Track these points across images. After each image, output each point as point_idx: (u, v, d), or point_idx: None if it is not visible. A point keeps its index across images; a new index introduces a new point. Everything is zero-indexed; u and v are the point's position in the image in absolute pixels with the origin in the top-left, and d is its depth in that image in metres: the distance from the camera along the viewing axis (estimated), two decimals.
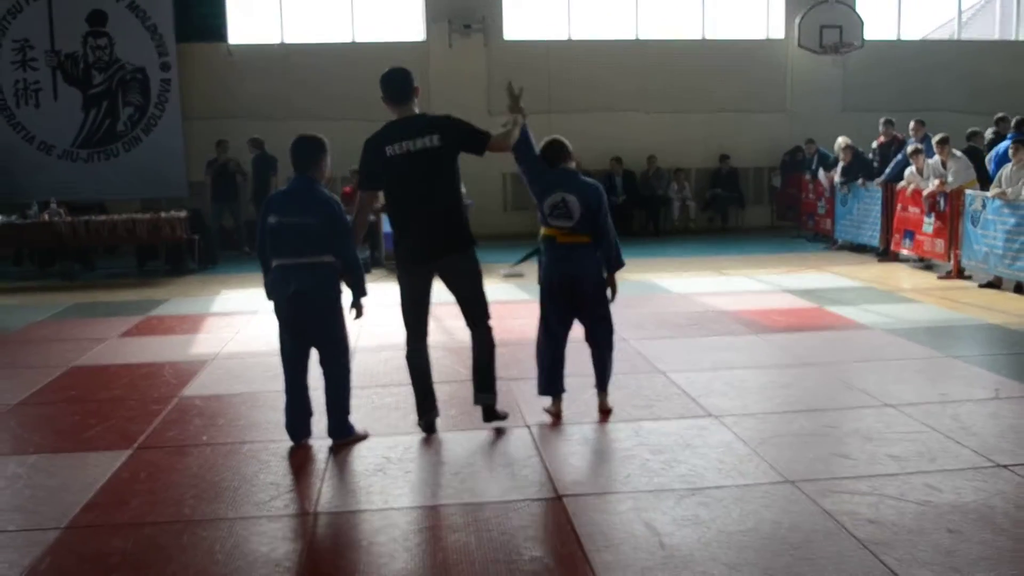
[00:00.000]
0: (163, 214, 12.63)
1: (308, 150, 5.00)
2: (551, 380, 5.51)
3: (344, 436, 5.11)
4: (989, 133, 12.90)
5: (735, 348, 7.34)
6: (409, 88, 5.02)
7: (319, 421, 5.24)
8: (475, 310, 5.18)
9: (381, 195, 5.13)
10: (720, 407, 5.70)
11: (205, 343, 7.97)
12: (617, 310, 8.35)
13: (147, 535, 3.99)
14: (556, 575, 3.56)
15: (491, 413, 5.33)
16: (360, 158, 4.97)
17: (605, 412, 5.55)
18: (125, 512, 4.25)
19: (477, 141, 4.96)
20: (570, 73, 16.65)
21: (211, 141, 15.10)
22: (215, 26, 15.74)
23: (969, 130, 12.81)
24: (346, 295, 5.04)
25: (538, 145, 5.41)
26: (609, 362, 5.59)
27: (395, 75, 5.00)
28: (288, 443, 5.14)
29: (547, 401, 5.66)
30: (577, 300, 5.43)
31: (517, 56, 16.40)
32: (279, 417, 5.50)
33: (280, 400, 5.81)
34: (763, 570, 3.54)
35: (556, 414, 5.50)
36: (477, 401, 5.32)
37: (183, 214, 12.72)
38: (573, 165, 5.49)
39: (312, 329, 4.98)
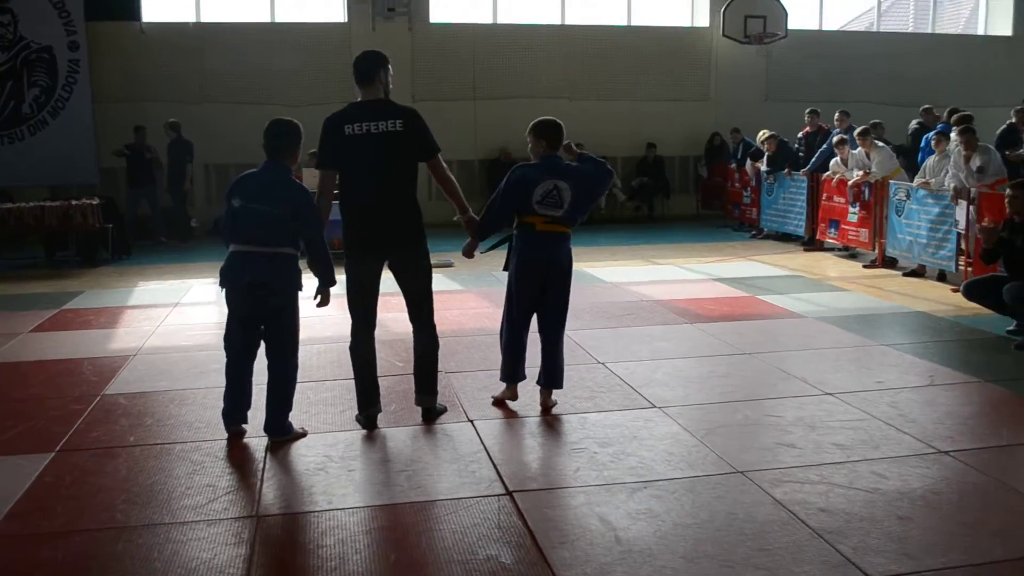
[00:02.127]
0: (74, 201, 12.16)
1: (283, 135, 4.93)
2: (517, 367, 5.53)
3: (284, 435, 4.98)
4: (914, 124, 13.26)
5: (672, 338, 7.40)
6: (373, 69, 4.96)
7: (255, 417, 5.09)
8: (422, 309, 5.13)
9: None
10: (663, 397, 5.73)
11: (125, 338, 7.69)
12: None
13: (77, 544, 3.81)
14: (514, 574, 3.51)
15: (431, 414, 5.29)
16: (319, 137, 4.92)
17: (548, 408, 5.51)
18: (52, 520, 4.05)
19: (428, 148, 4.97)
20: (495, 59, 16.60)
21: (123, 125, 14.60)
22: (127, 4, 15.19)
23: (871, 121, 13.15)
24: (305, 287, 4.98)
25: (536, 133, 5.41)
26: (561, 358, 5.54)
27: (364, 55, 5.02)
28: (223, 443, 4.98)
29: (487, 394, 5.67)
30: (548, 288, 5.42)
31: (441, 40, 16.28)
32: (210, 416, 5.36)
33: (210, 397, 5.71)
34: (721, 562, 3.56)
35: (513, 397, 5.53)
36: (419, 403, 5.27)
37: (95, 201, 12.27)
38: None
39: (266, 322, 4.92)
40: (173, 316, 8.58)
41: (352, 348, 5.14)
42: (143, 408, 5.68)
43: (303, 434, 5.07)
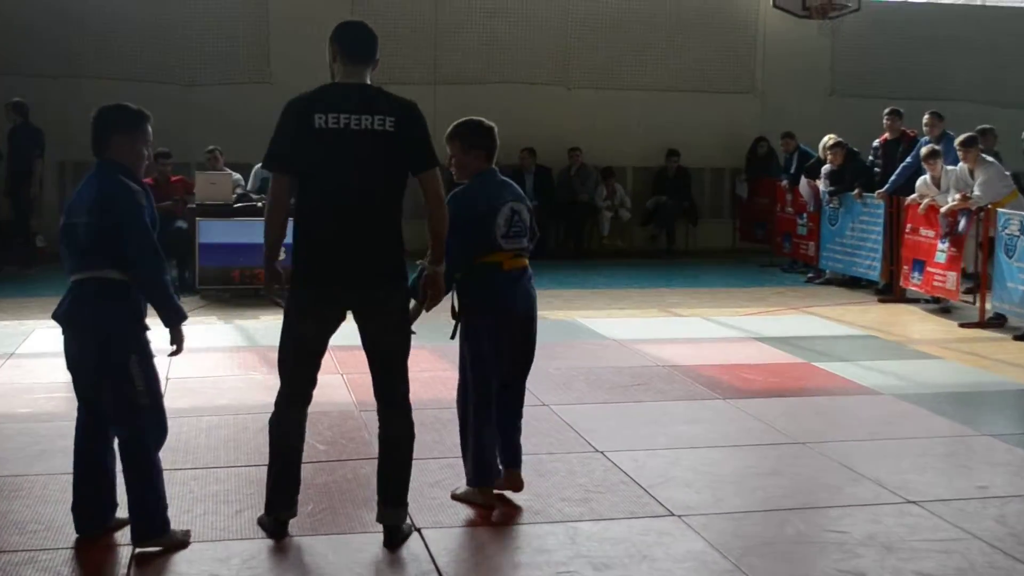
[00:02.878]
0: None
1: (103, 125, 5.00)
2: (494, 463, 5.59)
3: (150, 538, 4.91)
4: None
5: (697, 418, 7.40)
6: (375, 47, 4.98)
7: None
8: (396, 380, 5.00)
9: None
10: (683, 502, 5.70)
11: None
12: (536, 362, 8.36)
13: None
14: None
15: (396, 536, 5.09)
16: (276, 126, 4.84)
17: (520, 487, 5.66)
18: None
19: (425, 158, 4.88)
20: (464, 31, 16.70)
21: None
22: None
23: (978, 127, 13.31)
24: (152, 331, 4.96)
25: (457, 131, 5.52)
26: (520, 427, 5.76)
27: (361, 27, 5.00)
28: (69, 552, 4.90)
29: (440, 491, 5.70)
30: (520, 344, 5.59)
31: (388, 7, 16.36)
32: (53, 513, 5.29)
33: (53, 486, 5.63)
34: None
35: (491, 504, 5.56)
36: (383, 518, 5.08)
37: None
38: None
39: (80, 378, 4.95)
40: (5, 371, 8.47)
41: (274, 425, 5.05)
42: None
43: (183, 542, 5.00)
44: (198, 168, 13.87)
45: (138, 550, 4.91)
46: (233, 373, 8.50)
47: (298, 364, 4.98)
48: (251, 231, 11.25)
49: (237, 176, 13.41)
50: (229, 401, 7.54)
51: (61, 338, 4.95)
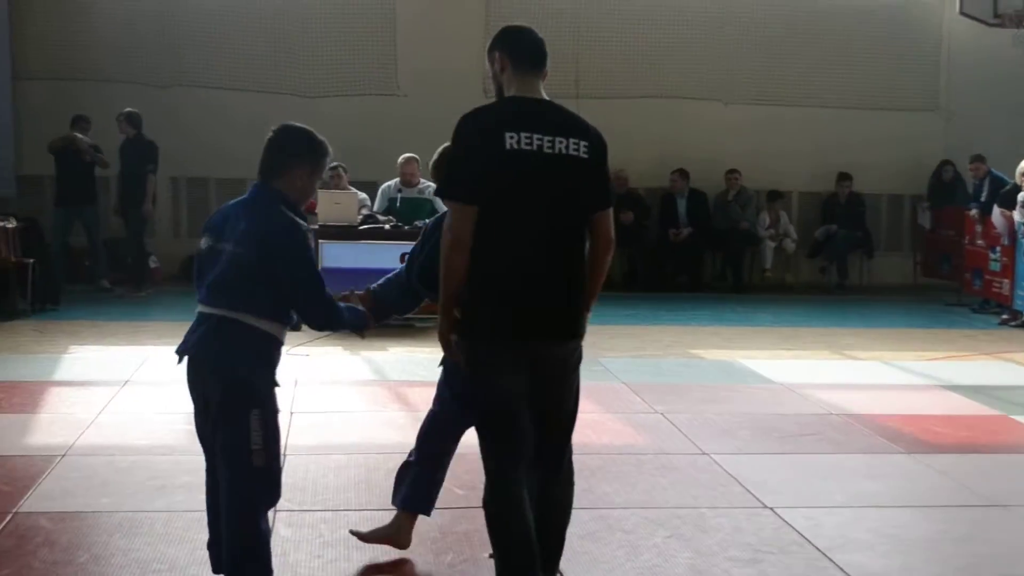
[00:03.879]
0: None
1: (276, 149, 4.90)
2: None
3: None
4: None
5: (878, 474, 7.28)
6: (547, 56, 4.78)
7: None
8: (565, 439, 4.84)
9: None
10: (866, 568, 5.60)
11: (50, 429, 7.84)
12: (691, 407, 8.34)
13: None
14: None
15: None
16: (452, 145, 4.67)
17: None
18: None
19: (609, 191, 4.78)
20: (609, 42, 16.74)
21: (57, 114, 15.06)
22: None
23: None
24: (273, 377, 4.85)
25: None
26: None
27: (532, 32, 4.83)
28: None
29: None
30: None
31: (530, 14, 16.49)
32: (176, 553, 5.42)
33: (176, 524, 5.78)
34: None
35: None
36: None
37: (10, 224, 12.67)
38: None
39: (200, 419, 4.85)
40: (121, 399, 8.68)
41: (495, 503, 4.68)
42: (75, 536, 5.73)
43: None
44: (321, 186, 14.10)
45: None
46: (362, 409, 8.63)
47: (511, 422, 4.64)
48: (377, 255, 11.40)
49: (363, 196, 13.59)
50: (359, 439, 7.66)
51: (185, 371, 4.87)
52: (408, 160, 13.26)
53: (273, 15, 16.16)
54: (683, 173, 16.60)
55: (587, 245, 4.72)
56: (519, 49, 4.74)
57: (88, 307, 13.35)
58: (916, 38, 17.61)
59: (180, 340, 4.82)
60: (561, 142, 4.53)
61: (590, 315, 4.84)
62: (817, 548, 5.85)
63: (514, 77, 4.69)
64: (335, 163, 13.82)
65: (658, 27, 16.84)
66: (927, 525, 6.37)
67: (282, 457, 6.96)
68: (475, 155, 4.51)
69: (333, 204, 12.91)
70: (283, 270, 4.65)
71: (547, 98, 4.71)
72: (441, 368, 5.49)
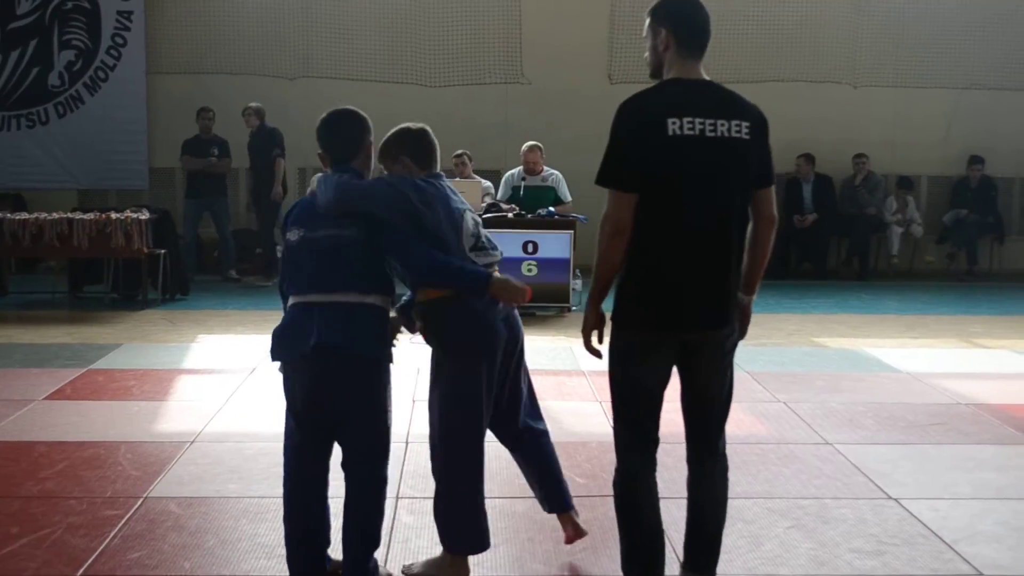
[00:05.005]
0: (114, 215, 12.90)
1: (342, 130, 5.11)
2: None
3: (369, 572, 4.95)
4: None
5: (1008, 465, 7.16)
6: (709, 35, 4.66)
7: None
8: (718, 429, 4.77)
9: None
10: (994, 560, 5.53)
11: (179, 416, 8.03)
12: (814, 396, 8.27)
13: None
14: None
15: None
16: (612, 131, 4.49)
17: (579, 534, 5.52)
18: None
19: (771, 170, 4.66)
20: (737, 23, 16.60)
21: (187, 107, 15.41)
22: None
23: None
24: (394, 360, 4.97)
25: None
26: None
27: (701, 8, 4.69)
28: None
29: None
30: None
31: None
32: None
33: None
34: None
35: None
36: None
37: (143, 216, 12.97)
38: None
39: (338, 408, 4.91)
40: (248, 387, 8.91)
41: (623, 485, 4.72)
42: (203, 521, 5.89)
43: None
44: (446, 175, 14.20)
45: None
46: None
47: (644, 406, 4.64)
48: (501, 243, 11.37)
49: (487, 184, 13.67)
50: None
51: (302, 368, 4.90)
52: (531, 148, 13.30)
53: (396, 6, 16.33)
54: (809, 158, 16.43)
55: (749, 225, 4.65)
56: (690, 29, 4.60)
57: (216, 296, 13.68)
58: None
59: None
60: (723, 125, 4.44)
61: (755, 298, 4.81)
62: (943, 540, 5.79)
63: (677, 58, 4.58)
64: (460, 151, 13.92)
65: (786, 8, 16.67)
66: None
67: (404, 445, 7.14)
68: (637, 142, 4.42)
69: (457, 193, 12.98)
70: (385, 232, 4.86)
71: (707, 78, 4.60)
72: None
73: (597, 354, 4.63)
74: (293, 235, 4.96)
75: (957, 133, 17.03)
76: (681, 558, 4.87)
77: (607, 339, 4.63)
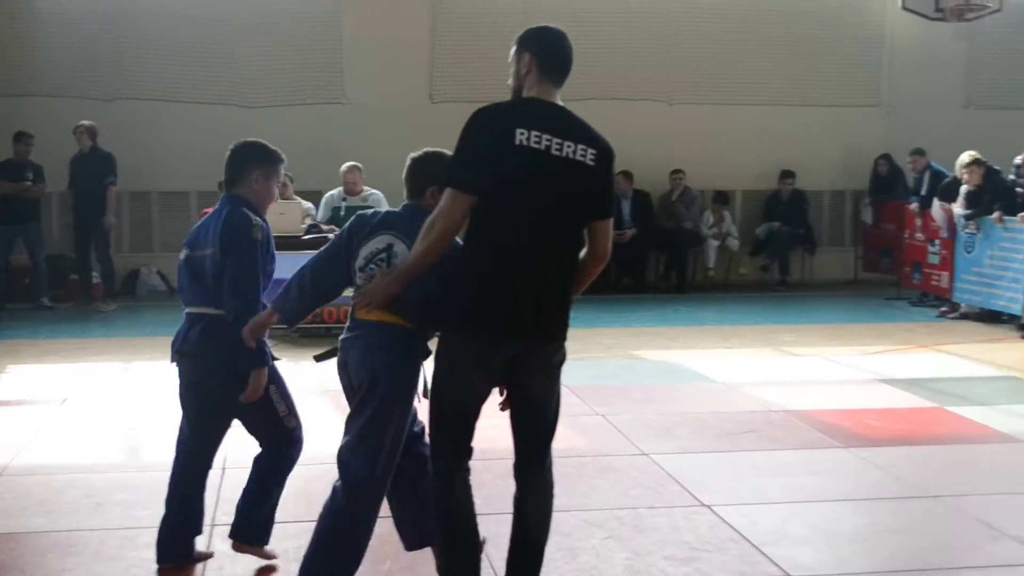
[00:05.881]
0: None
1: (230, 160, 5.51)
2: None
3: (252, 544, 5.64)
4: None
5: (815, 469, 7.37)
6: (571, 63, 4.80)
7: None
8: (545, 443, 4.82)
9: None
10: (800, 562, 5.67)
11: None
12: (632, 407, 8.39)
13: None
14: None
15: None
16: (461, 135, 4.56)
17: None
18: None
19: (610, 202, 4.77)
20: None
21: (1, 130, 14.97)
22: None
23: None
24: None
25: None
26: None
27: (563, 37, 4.80)
28: None
29: None
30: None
31: (478, 17, 16.51)
32: (110, 570, 5.43)
33: (110, 543, 5.78)
34: None
35: None
36: None
37: None
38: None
39: (215, 408, 5.52)
40: (59, 418, 8.65)
41: (440, 490, 4.76)
42: (7, 557, 5.71)
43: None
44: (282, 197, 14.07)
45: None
46: (304, 421, 8.57)
47: (460, 413, 4.70)
48: None
49: (307, 205, 13.53)
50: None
51: (178, 369, 5.46)
52: (351, 169, 13.23)
53: (215, 27, 16.09)
54: (627, 174, 16.62)
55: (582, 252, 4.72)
56: (552, 56, 4.72)
57: (28, 325, 13.26)
58: (858, 34, 17.75)
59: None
60: (570, 146, 4.52)
61: None
62: (752, 544, 5.92)
63: (536, 81, 4.67)
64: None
65: (599, 28, 16.81)
66: (861, 518, 6.46)
67: (222, 472, 7.04)
68: (483, 145, 4.51)
69: (277, 214, 12.82)
70: (230, 255, 5.22)
71: (562, 104, 4.70)
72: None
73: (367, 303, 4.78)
74: (183, 254, 5.51)
75: (769, 148, 17.42)
76: (503, 573, 4.88)
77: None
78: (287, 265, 12.08)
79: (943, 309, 14.42)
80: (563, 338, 4.69)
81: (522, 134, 4.47)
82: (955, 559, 5.83)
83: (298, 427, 5.64)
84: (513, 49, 4.77)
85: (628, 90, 16.92)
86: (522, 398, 4.69)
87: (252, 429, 5.59)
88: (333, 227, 12.75)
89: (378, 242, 4.95)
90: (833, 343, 12.24)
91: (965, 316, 14.01)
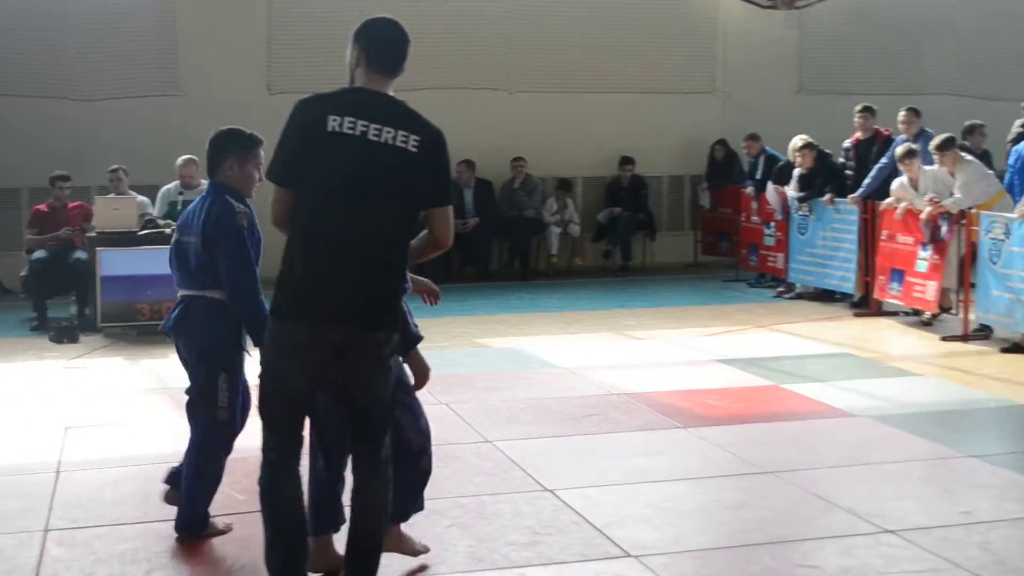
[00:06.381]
0: None
1: (215, 147, 5.83)
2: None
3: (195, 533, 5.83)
4: (1017, 127, 13.60)
5: (655, 450, 7.48)
6: (406, 55, 4.77)
7: None
8: (380, 431, 4.77)
9: None
10: (640, 541, 5.76)
11: None
12: (476, 395, 8.42)
13: None
14: None
15: None
16: (283, 130, 4.62)
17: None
18: None
19: (444, 192, 4.76)
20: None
21: None
22: None
23: (966, 123, 13.50)
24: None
25: None
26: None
27: (394, 27, 4.78)
28: None
29: None
30: None
31: (317, 9, 16.36)
32: None
33: None
34: None
35: None
36: None
37: None
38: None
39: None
40: None
41: (266, 482, 4.72)
42: None
43: (225, 531, 5.88)
44: (99, 192, 13.75)
45: None
46: (141, 419, 8.45)
47: (285, 404, 4.68)
48: (159, 261, 11.15)
49: (143, 199, 13.22)
50: (137, 450, 7.52)
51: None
52: (187, 162, 12.92)
53: (44, 16, 15.64)
54: (469, 164, 16.59)
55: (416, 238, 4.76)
56: (378, 47, 4.71)
57: None
58: (694, 22, 17.97)
59: None
60: (389, 132, 4.53)
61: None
62: (594, 526, 5.99)
63: (364, 72, 4.68)
64: (115, 166, 13.43)
65: (438, 18, 16.76)
66: (700, 496, 6.57)
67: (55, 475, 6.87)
68: (295, 137, 4.55)
69: (112, 210, 12.52)
70: (218, 244, 5.59)
71: (391, 94, 4.70)
72: None
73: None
74: (174, 236, 5.95)
75: (609, 135, 17.53)
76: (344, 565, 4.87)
77: None
78: (124, 261, 12.03)
79: (779, 290, 14.71)
80: (392, 327, 4.66)
81: (334, 120, 4.51)
82: (791, 532, 5.99)
83: (232, 426, 5.82)
84: (350, 43, 4.77)
85: (468, 79, 16.90)
86: (353, 389, 4.69)
87: (196, 407, 5.88)
88: (170, 222, 12.49)
89: None
90: (673, 325, 12.42)
91: (800, 296, 14.30)
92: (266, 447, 4.68)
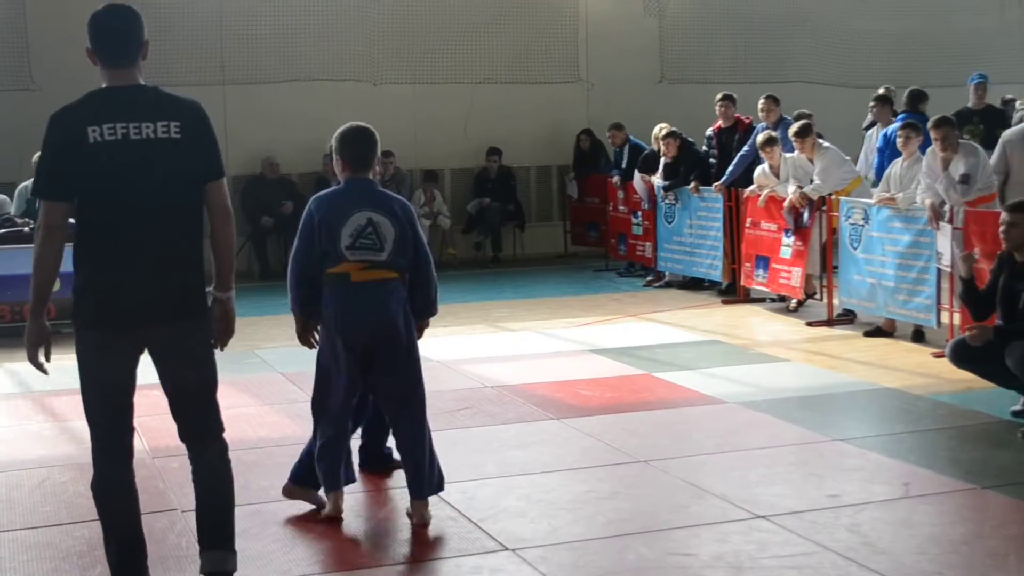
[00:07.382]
0: None
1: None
2: (339, 468, 6.06)
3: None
4: (870, 117, 13.91)
5: (529, 442, 7.52)
6: (138, 37, 4.72)
7: None
8: (206, 415, 4.89)
9: None
10: (517, 534, 5.79)
11: None
12: None
13: None
14: None
15: None
16: (42, 146, 4.63)
17: (425, 523, 5.91)
18: None
19: (213, 165, 4.76)
20: (254, 24, 16.50)
21: None
22: None
23: (795, 113, 13.81)
24: None
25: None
26: (425, 455, 6.05)
27: (116, 12, 4.72)
28: None
29: None
30: (380, 361, 5.97)
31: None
32: None
33: None
34: None
35: (337, 512, 6.00)
36: (208, 566, 4.93)
37: None
38: (375, 174, 6.20)
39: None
40: None
41: (99, 487, 4.80)
42: None
43: None
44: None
45: None
46: (1, 424, 8.24)
47: (109, 409, 4.76)
48: (17, 260, 10.89)
49: (2, 197, 12.97)
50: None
51: None
52: None
53: None
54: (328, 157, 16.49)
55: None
56: (101, 42, 4.70)
57: None
58: (557, 12, 18.07)
59: None
60: (148, 127, 4.58)
61: (232, 293, 4.85)
62: (471, 520, 6.02)
63: (104, 69, 4.70)
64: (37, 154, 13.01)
65: (300, 11, 16.64)
66: (575, 487, 6.61)
67: None
68: (60, 152, 4.57)
69: None
70: None
71: (141, 83, 4.70)
72: None
73: (43, 370, 4.74)
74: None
75: (475, 126, 17.55)
76: (197, 542, 4.98)
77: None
78: None
79: (649, 279, 14.88)
80: (200, 314, 4.77)
81: (94, 131, 4.54)
82: (664, 520, 6.04)
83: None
84: None
85: (331, 71, 16.80)
86: (165, 378, 4.79)
87: None
88: (28, 220, 12.19)
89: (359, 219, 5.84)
90: (545, 316, 12.50)
91: (669, 284, 14.48)
92: (94, 450, 4.80)
